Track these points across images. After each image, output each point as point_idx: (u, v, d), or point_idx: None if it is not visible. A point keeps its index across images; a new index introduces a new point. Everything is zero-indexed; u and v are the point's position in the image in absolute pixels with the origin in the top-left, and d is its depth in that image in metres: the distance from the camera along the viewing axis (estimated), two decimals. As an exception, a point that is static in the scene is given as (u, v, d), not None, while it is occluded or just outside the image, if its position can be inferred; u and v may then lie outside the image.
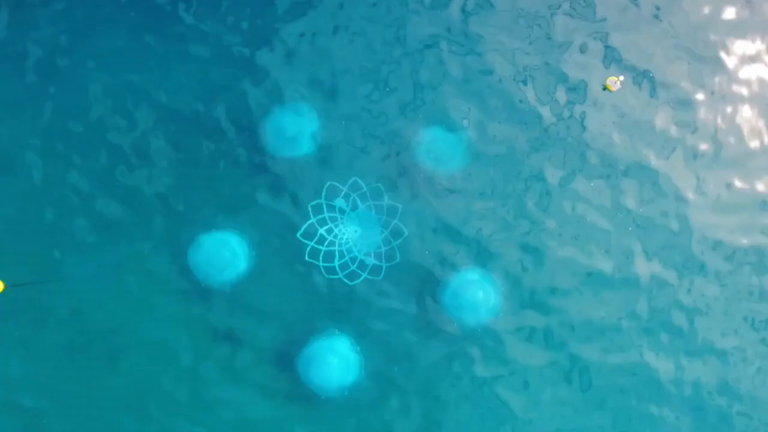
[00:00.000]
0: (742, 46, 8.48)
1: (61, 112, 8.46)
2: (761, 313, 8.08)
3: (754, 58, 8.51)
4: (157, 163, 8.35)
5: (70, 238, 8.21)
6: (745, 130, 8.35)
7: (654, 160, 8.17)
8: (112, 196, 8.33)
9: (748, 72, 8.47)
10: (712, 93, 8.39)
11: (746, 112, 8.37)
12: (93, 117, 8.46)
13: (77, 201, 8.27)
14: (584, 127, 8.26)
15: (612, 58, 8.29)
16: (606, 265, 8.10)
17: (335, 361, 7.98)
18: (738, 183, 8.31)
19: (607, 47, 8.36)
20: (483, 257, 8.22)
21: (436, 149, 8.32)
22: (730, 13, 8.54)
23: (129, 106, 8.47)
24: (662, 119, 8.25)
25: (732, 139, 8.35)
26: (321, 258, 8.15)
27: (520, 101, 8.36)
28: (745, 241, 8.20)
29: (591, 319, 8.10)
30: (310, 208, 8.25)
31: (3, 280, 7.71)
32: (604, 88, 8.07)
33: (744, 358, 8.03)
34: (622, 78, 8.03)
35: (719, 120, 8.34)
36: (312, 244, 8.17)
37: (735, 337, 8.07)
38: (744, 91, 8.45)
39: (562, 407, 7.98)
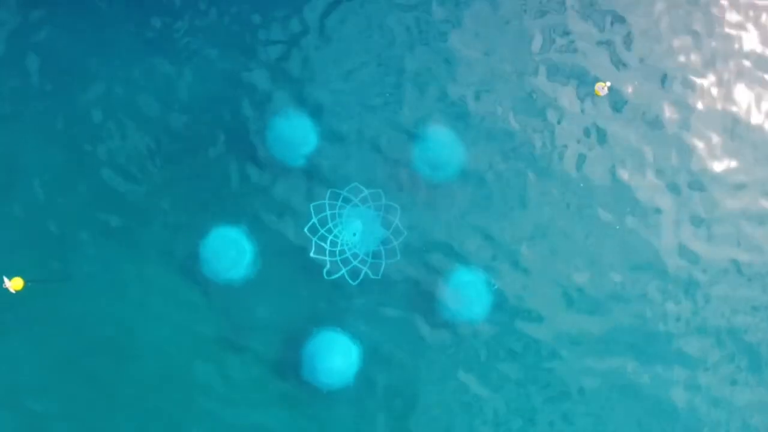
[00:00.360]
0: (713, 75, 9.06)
1: (69, 123, 8.89)
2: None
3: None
4: (167, 171, 8.79)
5: (78, 242, 8.60)
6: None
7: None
8: (122, 203, 8.75)
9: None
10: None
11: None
12: (100, 130, 8.88)
13: (88, 208, 8.69)
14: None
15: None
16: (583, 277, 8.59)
17: (337, 358, 8.36)
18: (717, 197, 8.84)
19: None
20: (478, 257, 8.68)
21: (431, 157, 8.81)
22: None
23: (133, 118, 8.92)
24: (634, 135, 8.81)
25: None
26: (326, 255, 8.57)
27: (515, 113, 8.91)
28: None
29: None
30: (313, 208, 8.70)
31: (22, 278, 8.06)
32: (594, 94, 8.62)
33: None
34: (609, 84, 8.58)
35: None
36: (315, 239, 8.60)
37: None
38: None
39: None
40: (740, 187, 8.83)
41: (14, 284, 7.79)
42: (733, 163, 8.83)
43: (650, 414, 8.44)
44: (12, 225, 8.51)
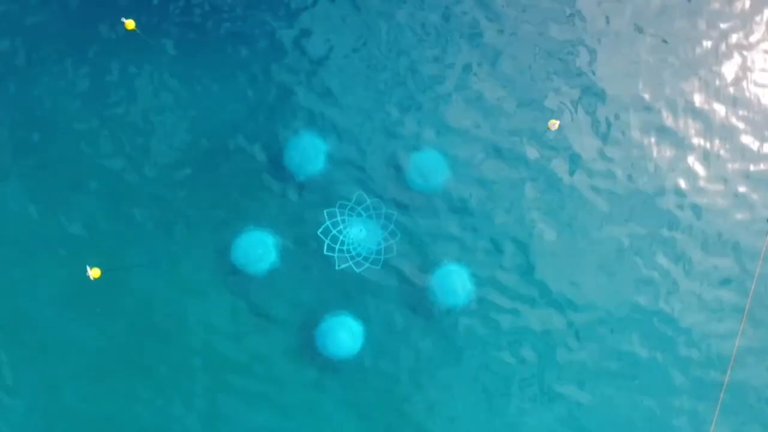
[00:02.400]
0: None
1: (122, 141, 10.84)
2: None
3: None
4: (206, 181, 10.72)
5: (137, 239, 10.51)
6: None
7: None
8: (170, 207, 10.67)
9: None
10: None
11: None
12: (149, 143, 10.84)
13: (144, 211, 10.61)
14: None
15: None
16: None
17: (344, 333, 10.26)
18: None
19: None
20: (462, 253, 10.60)
21: (424, 170, 10.77)
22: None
23: (182, 130, 10.87)
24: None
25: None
26: (336, 251, 10.50)
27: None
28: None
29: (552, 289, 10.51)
30: (326, 214, 10.64)
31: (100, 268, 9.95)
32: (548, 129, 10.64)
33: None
34: (559, 122, 10.55)
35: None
36: (327, 241, 10.53)
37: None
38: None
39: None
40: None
41: (94, 273, 9.69)
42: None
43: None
44: (86, 227, 10.44)
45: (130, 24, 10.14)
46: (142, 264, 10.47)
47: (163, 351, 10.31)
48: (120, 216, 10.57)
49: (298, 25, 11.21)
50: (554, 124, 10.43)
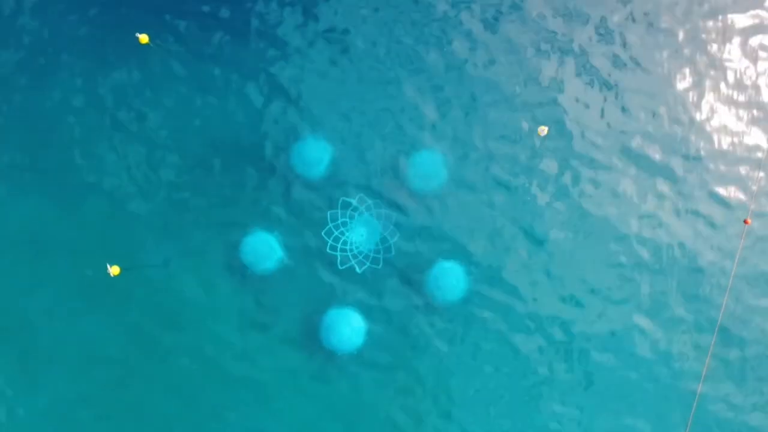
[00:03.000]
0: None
1: (141, 146, 11.47)
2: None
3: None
4: (215, 182, 11.33)
5: (152, 240, 11.14)
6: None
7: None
8: (179, 209, 11.29)
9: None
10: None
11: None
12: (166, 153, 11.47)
13: (157, 212, 11.23)
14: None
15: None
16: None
17: (347, 328, 10.85)
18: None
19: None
20: (457, 251, 11.19)
21: (422, 172, 11.35)
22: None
23: (192, 137, 11.49)
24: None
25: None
26: (338, 250, 11.09)
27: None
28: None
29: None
30: (329, 215, 11.24)
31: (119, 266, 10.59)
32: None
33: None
34: (547, 128, 11.12)
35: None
36: (330, 241, 11.13)
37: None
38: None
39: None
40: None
41: (114, 270, 10.32)
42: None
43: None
44: (103, 228, 11.09)
45: (143, 38, 10.75)
46: (155, 263, 11.08)
47: (176, 343, 10.94)
48: (135, 218, 11.20)
49: (302, 35, 11.80)
50: (543, 130, 11.01)
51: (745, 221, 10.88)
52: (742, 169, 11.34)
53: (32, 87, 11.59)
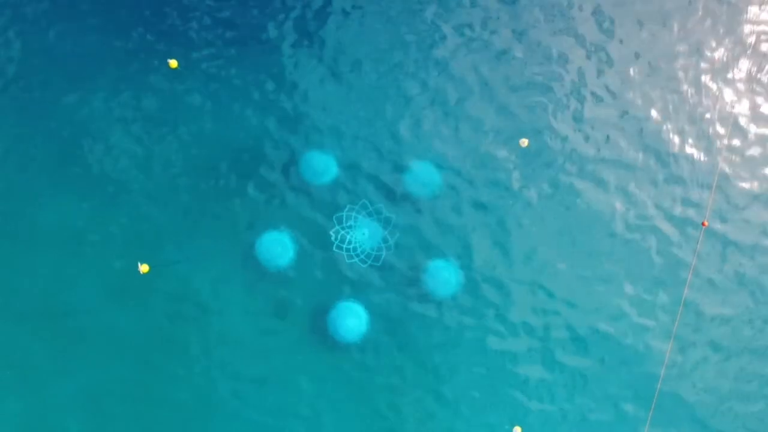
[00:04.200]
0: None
1: (165, 154, 12.68)
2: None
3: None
4: (233, 187, 12.56)
5: (176, 240, 12.28)
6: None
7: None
8: (203, 213, 12.49)
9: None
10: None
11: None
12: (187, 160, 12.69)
13: (180, 215, 12.41)
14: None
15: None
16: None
17: (352, 319, 12.05)
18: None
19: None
20: (451, 250, 12.50)
21: (420, 180, 12.70)
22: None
23: (212, 147, 12.73)
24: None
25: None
26: (344, 249, 12.34)
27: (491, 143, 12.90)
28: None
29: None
30: (335, 218, 12.51)
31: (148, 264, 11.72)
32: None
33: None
34: (528, 140, 12.60)
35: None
36: (336, 241, 12.38)
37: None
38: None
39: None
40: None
41: (143, 268, 11.44)
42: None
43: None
44: (129, 229, 12.23)
45: (173, 63, 12.02)
46: (177, 260, 12.21)
47: (195, 334, 12.01)
48: (159, 219, 12.33)
49: (316, 53, 13.20)
50: (524, 142, 12.51)
51: (702, 223, 12.36)
52: (700, 175, 12.91)
53: (71, 100, 12.79)
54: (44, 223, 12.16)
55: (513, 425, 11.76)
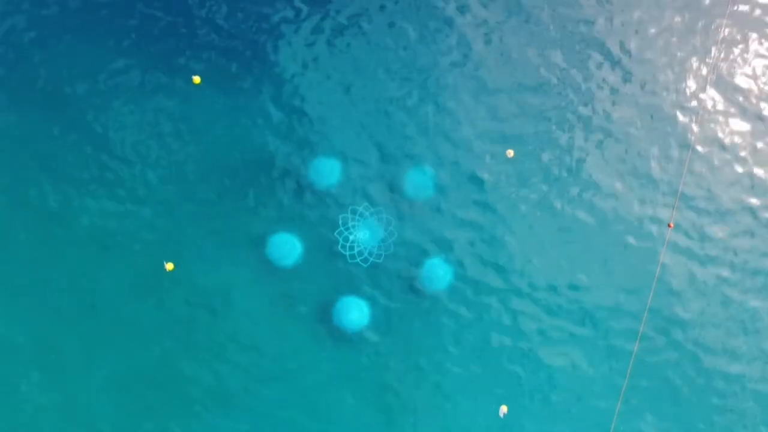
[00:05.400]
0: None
1: (183, 163, 13.82)
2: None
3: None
4: (247, 192, 13.74)
5: (193, 239, 13.45)
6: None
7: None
8: (219, 215, 13.66)
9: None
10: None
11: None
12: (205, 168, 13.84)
13: (200, 218, 13.57)
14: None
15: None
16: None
17: (355, 312, 13.33)
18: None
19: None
20: (445, 249, 13.80)
21: (415, 185, 13.97)
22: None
23: (227, 157, 13.89)
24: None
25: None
26: (347, 249, 13.59)
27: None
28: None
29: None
30: (339, 219, 13.74)
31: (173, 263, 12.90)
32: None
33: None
34: (513, 151, 13.93)
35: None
36: (341, 241, 13.63)
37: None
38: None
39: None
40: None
41: (169, 266, 12.60)
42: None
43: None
44: (150, 230, 13.38)
45: (196, 79, 13.14)
46: (193, 261, 13.38)
47: (212, 325, 13.23)
48: (180, 223, 13.49)
49: (324, 69, 14.40)
50: (509, 153, 13.84)
51: (668, 225, 13.80)
52: (666, 179, 14.33)
53: (102, 111, 13.93)
54: (77, 228, 13.32)
55: (501, 405, 13.16)
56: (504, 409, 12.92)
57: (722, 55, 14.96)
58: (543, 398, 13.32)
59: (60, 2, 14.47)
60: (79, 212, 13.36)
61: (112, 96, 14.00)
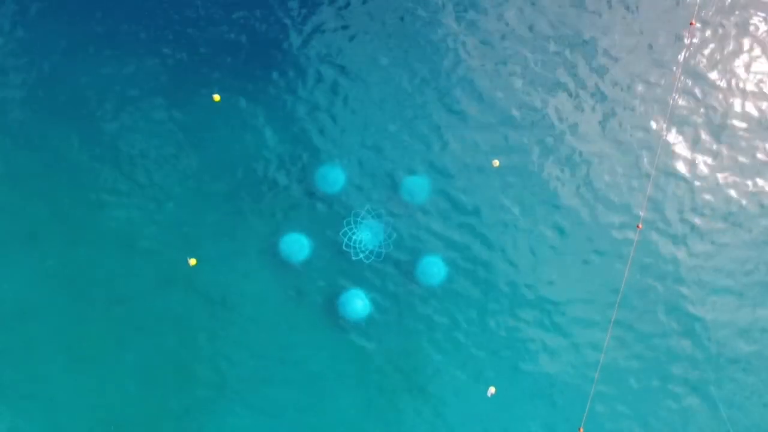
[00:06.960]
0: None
1: (200, 167, 15.32)
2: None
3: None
4: (259, 196, 15.23)
5: (210, 238, 14.93)
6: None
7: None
8: (234, 219, 15.15)
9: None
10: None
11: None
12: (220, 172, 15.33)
13: (215, 219, 15.06)
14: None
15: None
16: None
17: (358, 302, 14.83)
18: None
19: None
20: (440, 248, 15.30)
21: (414, 190, 15.47)
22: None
23: (242, 164, 15.38)
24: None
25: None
26: (351, 247, 15.09)
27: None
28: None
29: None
30: (344, 222, 15.25)
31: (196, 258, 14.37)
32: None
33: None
34: (498, 161, 15.43)
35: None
36: (345, 240, 15.13)
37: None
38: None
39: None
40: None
41: (192, 262, 14.07)
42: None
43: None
44: (172, 231, 14.86)
45: (216, 97, 14.62)
46: (212, 257, 14.87)
47: (229, 316, 14.70)
48: (199, 223, 14.97)
49: (329, 77, 15.85)
50: (495, 162, 15.36)
51: (637, 226, 15.28)
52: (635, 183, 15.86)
53: (122, 122, 15.42)
54: (105, 228, 14.77)
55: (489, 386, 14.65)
56: (492, 389, 14.39)
57: (686, 80, 16.50)
58: (532, 379, 14.84)
59: (85, 13, 15.90)
60: (107, 216, 14.91)
61: (134, 109, 15.49)
